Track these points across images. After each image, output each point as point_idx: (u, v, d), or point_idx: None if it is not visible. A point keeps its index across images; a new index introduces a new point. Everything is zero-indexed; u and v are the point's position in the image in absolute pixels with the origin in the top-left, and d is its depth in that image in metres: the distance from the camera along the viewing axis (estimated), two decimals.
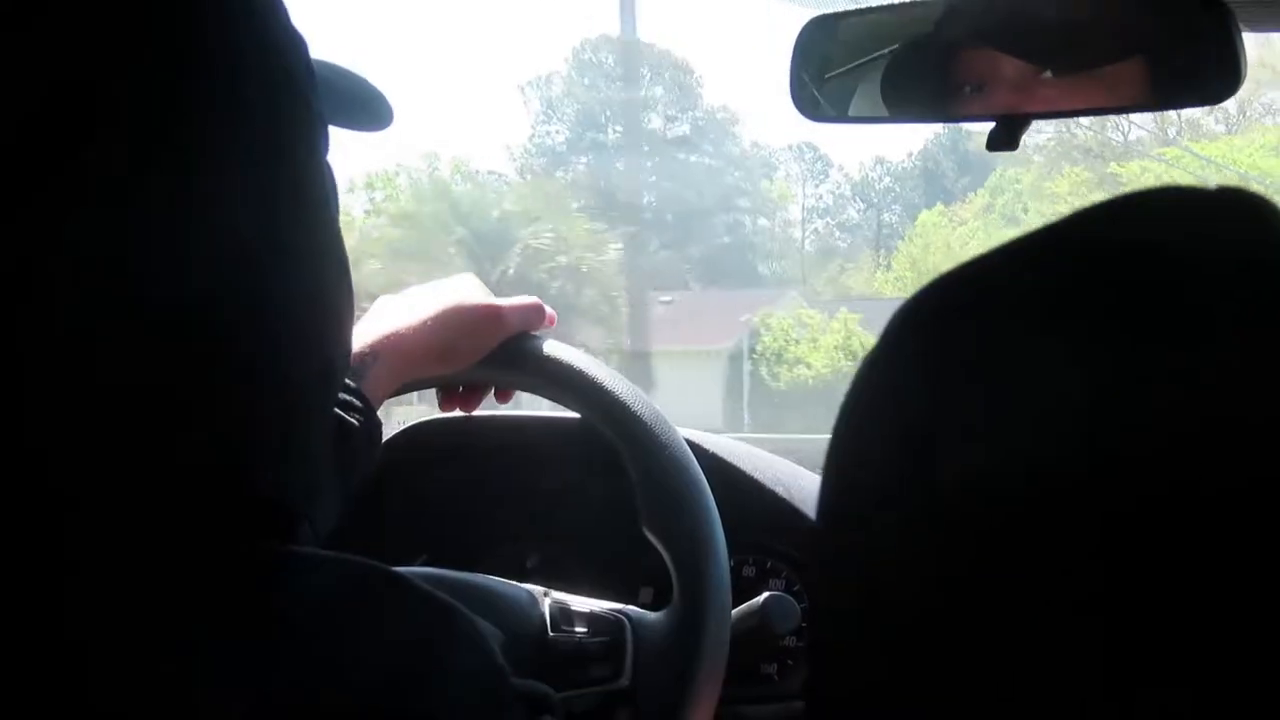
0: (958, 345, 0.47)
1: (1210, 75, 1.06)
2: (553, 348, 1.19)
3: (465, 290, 1.20)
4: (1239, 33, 1.03)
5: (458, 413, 1.28)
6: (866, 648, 0.47)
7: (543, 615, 1.11)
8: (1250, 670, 0.39)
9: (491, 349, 1.19)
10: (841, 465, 0.50)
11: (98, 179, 0.61)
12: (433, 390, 1.26)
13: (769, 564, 1.28)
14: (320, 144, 0.71)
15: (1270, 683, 0.38)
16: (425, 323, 1.16)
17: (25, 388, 0.61)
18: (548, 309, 1.22)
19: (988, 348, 0.46)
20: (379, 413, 1.13)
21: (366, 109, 0.98)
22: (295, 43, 0.70)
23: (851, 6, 1.23)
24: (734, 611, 1.14)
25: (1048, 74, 1.16)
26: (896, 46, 1.20)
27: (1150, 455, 0.41)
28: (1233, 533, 0.39)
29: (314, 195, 0.69)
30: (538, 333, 1.22)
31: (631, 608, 1.14)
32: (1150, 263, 0.45)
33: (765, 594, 1.18)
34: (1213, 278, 0.44)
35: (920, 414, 0.47)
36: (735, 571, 1.21)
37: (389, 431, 1.31)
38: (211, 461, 0.66)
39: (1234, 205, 0.46)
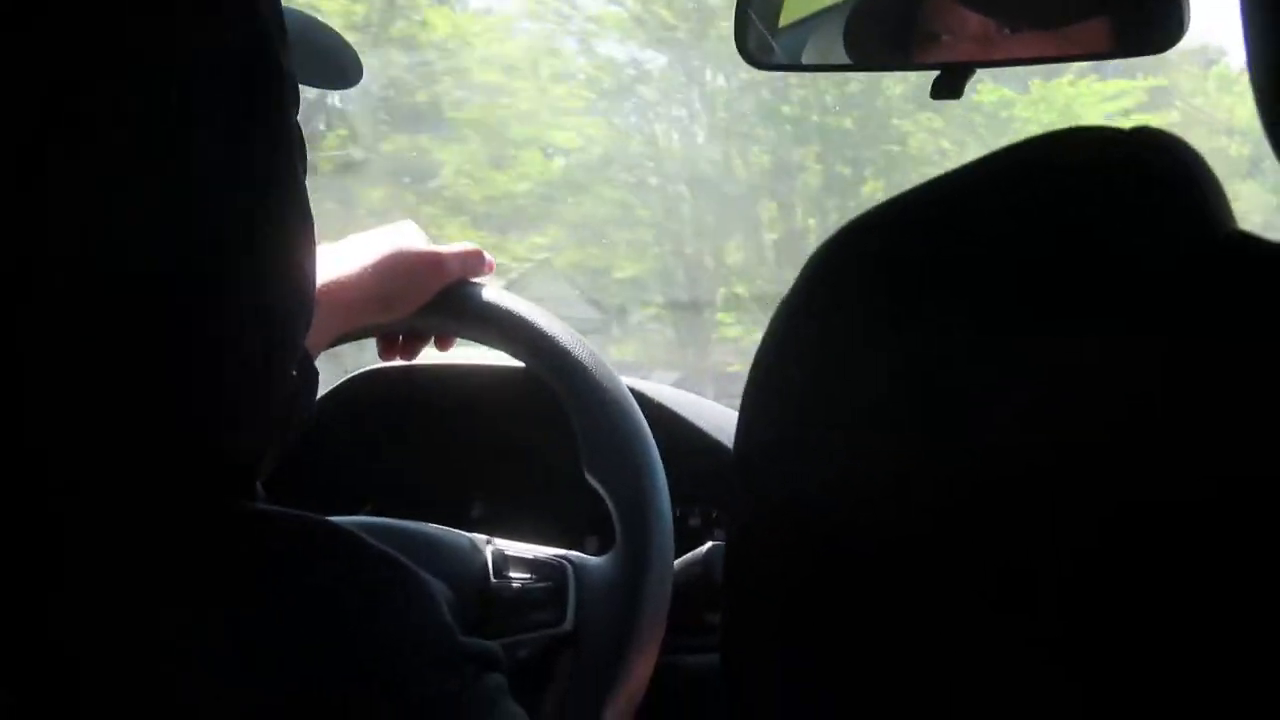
0: (849, 305, 0.47)
1: (1157, 25, 1.07)
2: (493, 294, 1.18)
3: (404, 237, 1.19)
4: None
5: (398, 362, 1.27)
6: (762, 609, 0.47)
7: (484, 562, 1.10)
8: (1130, 656, 0.39)
9: (431, 296, 1.18)
10: (745, 422, 0.50)
11: (74, 164, 0.60)
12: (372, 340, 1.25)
13: (714, 514, 1.28)
14: (291, 106, 0.70)
15: (1154, 675, 0.38)
16: (364, 271, 1.15)
17: (19, 370, 0.61)
18: (488, 255, 1.21)
19: (875, 312, 0.46)
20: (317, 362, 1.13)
21: (335, 65, 0.97)
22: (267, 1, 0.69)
23: None
24: (678, 561, 1.14)
25: (1008, 31, 1.16)
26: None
27: (1036, 436, 0.41)
28: (1124, 520, 0.39)
29: (285, 158, 0.69)
30: (477, 279, 1.21)
31: (574, 553, 1.13)
32: (1059, 207, 0.45)
33: (709, 543, 1.18)
34: (1120, 224, 0.44)
35: (807, 386, 0.47)
36: (681, 522, 1.21)
37: (332, 381, 1.30)
38: (172, 418, 0.66)
39: (1147, 146, 0.45)
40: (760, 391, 0.50)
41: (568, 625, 1.08)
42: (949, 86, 1.14)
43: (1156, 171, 0.45)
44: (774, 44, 1.24)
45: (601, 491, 1.10)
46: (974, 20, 1.15)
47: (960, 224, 0.46)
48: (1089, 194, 0.45)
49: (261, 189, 0.67)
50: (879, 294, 0.47)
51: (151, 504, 0.65)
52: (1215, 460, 0.38)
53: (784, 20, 1.23)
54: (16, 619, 0.61)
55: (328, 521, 0.69)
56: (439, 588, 0.70)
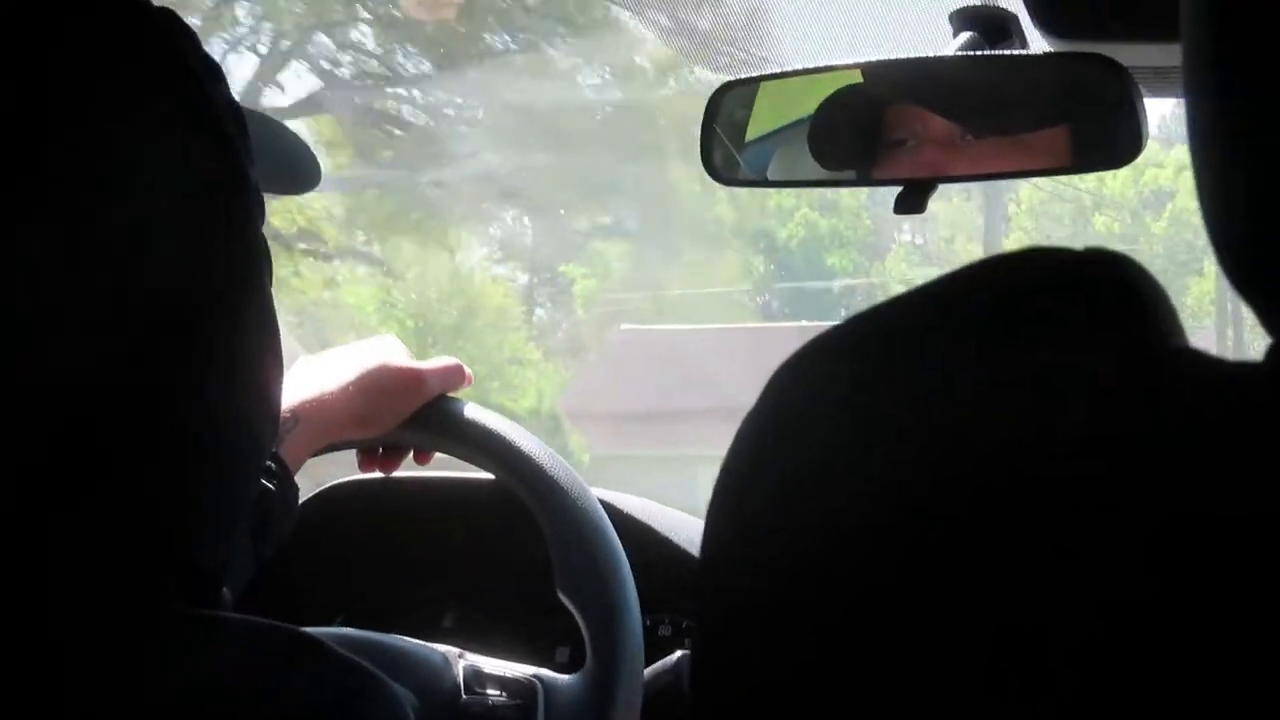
0: (827, 406, 0.48)
1: (1118, 140, 1.09)
2: (472, 411, 1.21)
3: (387, 352, 1.20)
4: (1140, 97, 1.05)
5: (376, 474, 1.28)
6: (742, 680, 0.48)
7: (456, 678, 1.11)
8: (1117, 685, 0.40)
9: (411, 413, 1.19)
10: (711, 531, 0.51)
11: (27, 263, 0.61)
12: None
13: (684, 623, 1.29)
14: (256, 214, 0.71)
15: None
16: (347, 388, 1.17)
17: None
18: (467, 370, 1.23)
19: (856, 412, 0.47)
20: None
21: (295, 172, 0.99)
22: (233, 111, 0.70)
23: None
24: (648, 670, 1.15)
25: (971, 137, 1.18)
26: (820, 106, 1.21)
27: (991, 551, 0.42)
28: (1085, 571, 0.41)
29: (248, 264, 0.70)
30: (455, 394, 1.22)
31: (545, 671, 1.14)
32: (1014, 328, 0.46)
33: (679, 652, 1.19)
34: (1072, 345, 0.45)
35: (771, 498, 0.48)
36: (651, 631, 1.22)
37: (306, 492, 1.31)
38: (138, 525, 0.66)
39: (1097, 267, 0.47)
40: (726, 502, 0.51)
41: None
42: (912, 202, 1.16)
43: (1105, 290, 0.46)
44: (740, 159, 1.26)
45: (573, 610, 1.12)
46: (936, 123, 1.17)
47: (913, 345, 0.48)
48: (1040, 314, 0.47)
49: (227, 298, 0.68)
50: (837, 412, 0.48)
51: (113, 608, 0.65)
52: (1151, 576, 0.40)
53: (750, 135, 1.25)
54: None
55: (293, 629, 0.69)
56: (406, 696, 0.71)
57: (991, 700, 0.41)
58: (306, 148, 1.00)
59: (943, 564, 0.43)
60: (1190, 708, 0.38)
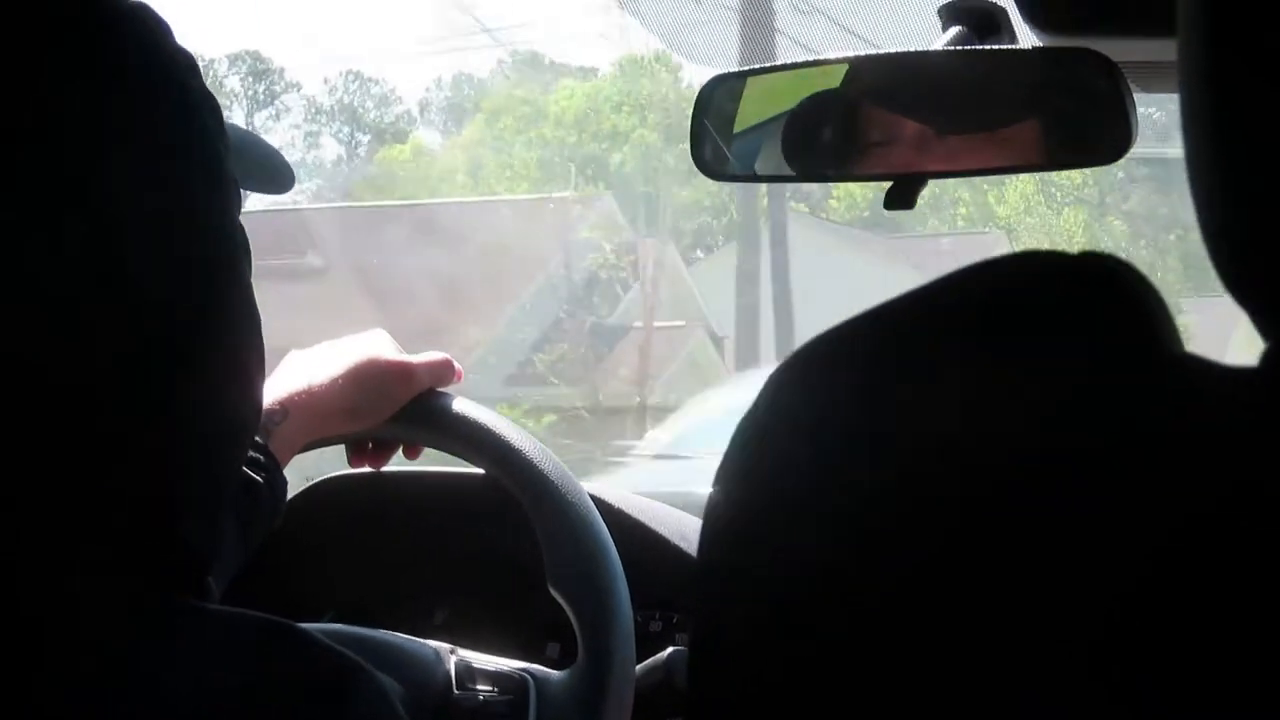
0: (822, 411, 0.48)
1: (1102, 137, 1.09)
2: (462, 405, 1.21)
3: (376, 346, 1.20)
4: (1130, 94, 1.05)
5: (366, 469, 1.29)
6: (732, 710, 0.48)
7: (447, 673, 1.11)
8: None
9: (401, 407, 1.19)
10: (720, 512, 0.51)
11: (5, 251, 0.62)
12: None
13: (675, 619, 1.29)
14: (233, 205, 0.72)
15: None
16: (336, 381, 1.17)
17: None
18: (456, 365, 1.23)
19: (853, 422, 0.47)
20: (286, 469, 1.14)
21: (271, 174, 1.00)
22: (211, 106, 0.71)
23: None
24: (639, 666, 1.15)
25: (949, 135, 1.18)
26: (793, 112, 1.21)
27: (990, 517, 0.42)
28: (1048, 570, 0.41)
29: (228, 255, 0.71)
30: (445, 389, 1.22)
31: (536, 666, 1.14)
32: (1010, 333, 0.46)
33: (670, 648, 1.19)
34: (1071, 353, 0.45)
35: (772, 497, 0.48)
36: (642, 627, 1.22)
37: (296, 487, 1.31)
38: (123, 517, 0.67)
39: (1094, 272, 0.47)
40: (726, 502, 0.51)
41: None
42: (901, 198, 1.16)
43: (1103, 296, 0.47)
44: (728, 154, 1.26)
45: (564, 605, 1.12)
46: (909, 125, 1.18)
47: (912, 354, 0.48)
48: (1037, 321, 0.47)
49: (208, 287, 0.69)
50: (834, 420, 0.48)
51: (93, 597, 0.66)
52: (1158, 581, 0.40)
53: (737, 128, 1.26)
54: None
55: (276, 619, 0.70)
56: (393, 687, 0.71)
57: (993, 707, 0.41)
58: (278, 153, 1.01)
59: (940, 574, 0.43)
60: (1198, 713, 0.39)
